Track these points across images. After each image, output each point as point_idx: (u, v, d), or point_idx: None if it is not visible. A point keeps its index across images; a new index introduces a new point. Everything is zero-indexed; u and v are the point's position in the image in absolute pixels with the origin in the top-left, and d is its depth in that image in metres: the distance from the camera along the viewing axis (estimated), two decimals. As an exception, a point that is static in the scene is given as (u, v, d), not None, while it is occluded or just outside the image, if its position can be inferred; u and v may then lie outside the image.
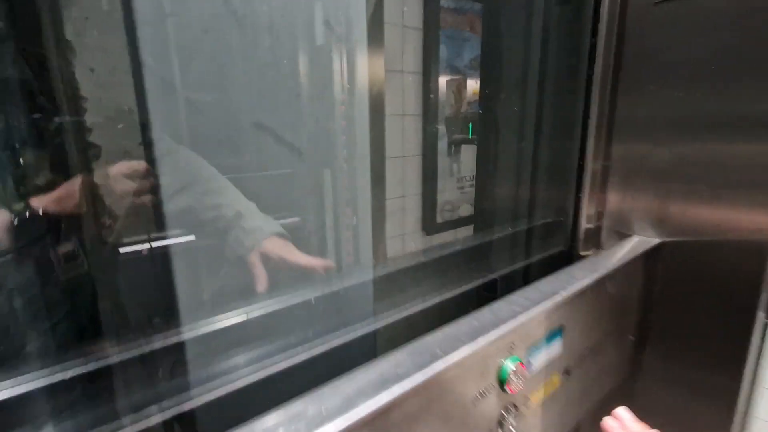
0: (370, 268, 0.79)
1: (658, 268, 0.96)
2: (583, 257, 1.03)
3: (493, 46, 1.17)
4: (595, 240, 1.05)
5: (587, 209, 1.01)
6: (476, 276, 0.90)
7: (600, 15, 0.90)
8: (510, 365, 0.56)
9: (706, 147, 0.87)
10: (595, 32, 0.91)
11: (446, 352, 0.50)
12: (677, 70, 0.87)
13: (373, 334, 0.67)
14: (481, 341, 0.53)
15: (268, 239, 0.72)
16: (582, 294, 0.71)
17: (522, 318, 0.59)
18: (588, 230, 1.03)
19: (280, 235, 0.73)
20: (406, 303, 0.76)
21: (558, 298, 0.65)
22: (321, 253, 1.00)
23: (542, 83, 1.04)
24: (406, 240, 2.17)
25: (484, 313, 0.60)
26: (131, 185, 0.64)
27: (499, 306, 0.62)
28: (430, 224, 2.19)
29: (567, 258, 1.04)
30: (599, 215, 1.04)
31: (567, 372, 0.72)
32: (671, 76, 0.88)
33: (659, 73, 0.90)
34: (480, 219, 1.39)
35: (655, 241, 0.95)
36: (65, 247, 0.63)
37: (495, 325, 0.56)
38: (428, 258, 0.86)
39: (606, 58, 0.92)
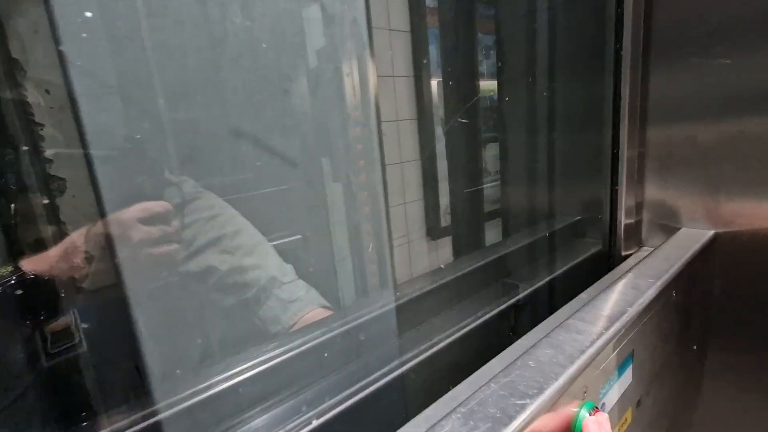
0: (391, 294, 0.66)
1: (715, 263, 0.84)
2: (626, 257, 0.90)
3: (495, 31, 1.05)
4: (636, 236, 0.93)
5: (625, 202, 0.89)
6: (507, 292, 0.78)
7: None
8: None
9: (763, 120, 0.75)
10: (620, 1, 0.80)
11: (509, 414, 0.37)
12: (720, 34, 0.75)
13: (400, 381, 0.55)
14: (549, 392, 0.40)
15: (311, 313, 0.57)
16: (650, 307, 0.58)
17: (591, 351, 0.46)
18: (628, 226, 0.91)
19: (324, 308, 0.59)
20: (430, 335, 0.63)
21: (626, 318, 0.52)
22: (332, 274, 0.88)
23: (556, 66, 0.93)
24: (412, 247, 2.07)
25: (542, 348, 0.47)
26: (151, 233, 0.49)
27: (557, 335, 0.50)
28: (434, 229, 2.09)
29: (607, 259, 0.91)
30: (638, 208, 0.91)
31: (639, 404, 0.59)
32: (714, 44, 0.76)
33: (699, 42, 0.78)
34: (496, 221, 1.27)
35: (709, 233, 0.83)
36: (60, 323, 0.50)
37: (561, 365, 0.43)
38: (443, 278, 0.74)
39: (636, 28, 0.80)
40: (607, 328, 0.50)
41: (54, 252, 0.49)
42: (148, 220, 0.47)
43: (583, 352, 0.45)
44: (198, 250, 0.56)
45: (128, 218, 0.47)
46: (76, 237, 0.49)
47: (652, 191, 0.90)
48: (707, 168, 0.82)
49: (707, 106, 0.79)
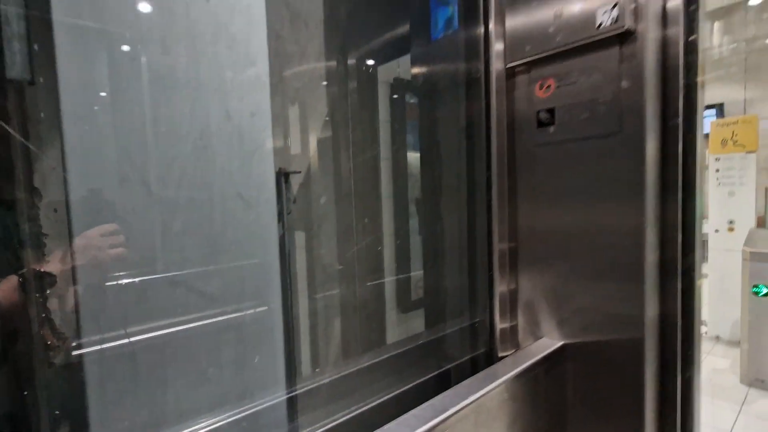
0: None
1: (566, 370, 1.05)
2: (504, 357, 1.12)
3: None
4: (513, 339, 1.15)
5: (499, 309, 1.12)
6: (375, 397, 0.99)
7: (491, 151, 1.08)
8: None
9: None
10: (489, 166, 1.08)
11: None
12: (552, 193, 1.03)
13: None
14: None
15: None
16: (474, 410, 0.80)
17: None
18: (503, 330, 1.13)
19: None
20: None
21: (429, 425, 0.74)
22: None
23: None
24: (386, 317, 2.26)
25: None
26: (108, 240, 0.81)
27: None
28: (404, 302, 2.30)
29: (488, 359, 1.14)
30: (513, 313, 1.15)
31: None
32: (550, 198, 1.04)
33: (543, 196, 1.05)
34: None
35: (558, 343, 1.05)
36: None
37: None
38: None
39: (501, 186, 1.08)
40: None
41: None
42: (105, 233, 0.81)
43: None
44: None
45: (94, 233, 0.80)
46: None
47: (524, 298, 1.13)
48: (556, 281, 1.06)
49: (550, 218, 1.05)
